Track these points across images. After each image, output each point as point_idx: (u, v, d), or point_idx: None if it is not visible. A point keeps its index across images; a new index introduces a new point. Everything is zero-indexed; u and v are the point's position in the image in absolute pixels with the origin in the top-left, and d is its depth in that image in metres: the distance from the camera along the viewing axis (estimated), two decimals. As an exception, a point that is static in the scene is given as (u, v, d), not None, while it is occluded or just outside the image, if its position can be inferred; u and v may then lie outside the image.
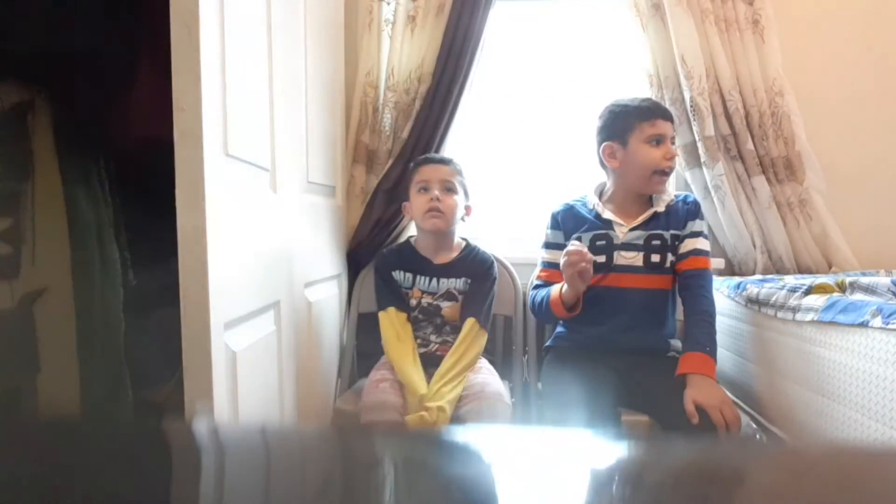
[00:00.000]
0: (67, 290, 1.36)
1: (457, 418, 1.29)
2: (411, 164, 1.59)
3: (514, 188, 2.02)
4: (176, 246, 0.87)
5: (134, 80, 1.35)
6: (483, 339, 1.46)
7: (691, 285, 1.38)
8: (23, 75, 1.30)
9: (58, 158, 1.36)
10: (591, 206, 1.46)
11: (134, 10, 1.26)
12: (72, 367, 1.37)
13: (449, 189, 1.50)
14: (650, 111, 1.39)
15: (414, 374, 1.35)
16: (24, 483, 0.37)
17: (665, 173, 1.39)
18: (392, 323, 1.46)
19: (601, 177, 1.52)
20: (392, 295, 1.51)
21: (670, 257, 1.40)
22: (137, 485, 0.37)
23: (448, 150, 1.74)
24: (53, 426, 0.50)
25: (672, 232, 1.40)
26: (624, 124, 1.40)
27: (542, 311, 1.42)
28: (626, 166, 1.41)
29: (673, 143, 1.42)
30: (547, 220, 1.50)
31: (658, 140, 1.37)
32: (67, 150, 1.37)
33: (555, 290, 1.37)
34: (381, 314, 1.49)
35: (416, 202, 1.50)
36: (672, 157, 1.39)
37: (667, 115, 1.41)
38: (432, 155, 1.61)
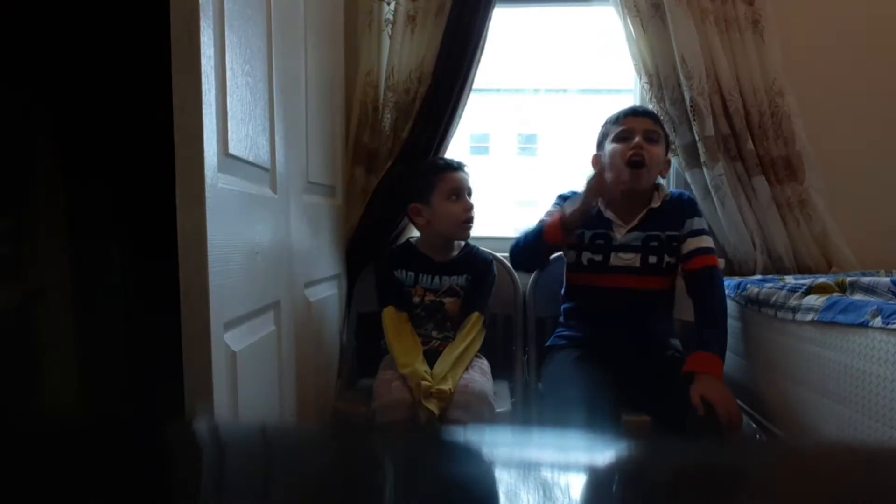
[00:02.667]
0: (67, 290, 1.36)
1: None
2: (430, 168, 1.57)
3: (515, 186, 2.03)
4: (176, 246, 0.86)
5: (135, 80, 1.35)
6: (483, 335, 1.49)
7: (702, 285, 1.38)
8: (24, 75, 1.30)
9: (58, 158, 1.36)
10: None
11: (135, 10, 1.26)
12: (72, 367, 1.37)
13: (470, 195, 1.54)
14: (623, 113, 1.44)
15: (418, 367, 1.35)
16: (24, 483, 0.37)
17: (633, 164, 1.37)
18: (393, 320, 1.47)
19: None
20: (392, 294, 1.51)
21: (667, 258, 1.40)
22: (138, 484, 0.37)
23: (448, 149, 1.74)
24: (53, 426, 0.50)
25: (668, 233, 1.40)
26: (604, 131, 1.46)
27: (528, 242, 1.43)
28: (608, 167, 1.42)
29: (654, 140, 1.40)
30: (553, 200, 1.54)
31: (624, 138, 1.40)
32: (68, 150, 1.37)
33: (554, 213, 1.40)
34: (383, 312, 1.50)
35: (449, 210, 1.51)
36: (637, 147, 1.37)
37: (639, 113, 1.44)
38: (452, 161, 1.59)
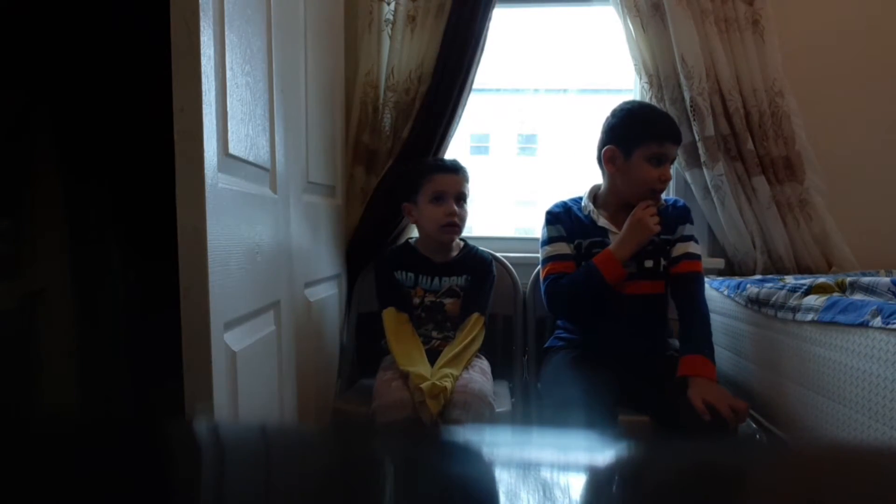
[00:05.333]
0: (67, 290, 1.36)
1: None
2: (419, 167, 1.56)
3: (515, 186, 2.03)
4: (176, 245, 0.86)
5: (135, 79, 1.35)
6: (483, 336, 1.49)
7: (686, 288, 1.39)
8: (24, 75, 1.30)
9: (58, 158, 1.36)
10: (586, 212, 1.46)
11: (135, 9, 1.26)
12: (72, 367, 1.37)
13: (461, 200, 1.51)
14: (662, 133, 1.37)
15: (419, 368, 1.35)
16: (24, 483, 0.37)
17: (657, 192, 1.39)
18: (394, 321, 1.47)
19: (597, 178, 1.52)
20: (393, 296, 1.51)
21: (663, 262, 1.40)
22: (137, 484, 0.37)
23: (448, 149, 1.74)
24: (53, 426, 0.50)
25: (663, 237, 1.40)
26: (633, 135, 1.37)
27: (582, 287, 1.36)
28: (622, 175, 1.40)
29: (672, 163, 1.41)
30: (544, 219, 1.49)
31: (660, 160, 1.36)
32: (67, 149, 1.37)
33: (600, 255, 1.35)
34: (384, 313, 1.50)
35: (430, 213, 1.50)
36: (667, 180, 1.38)
37: (676, 139, 1.40)
38: (445, 162, 1.57)
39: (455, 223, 1.49)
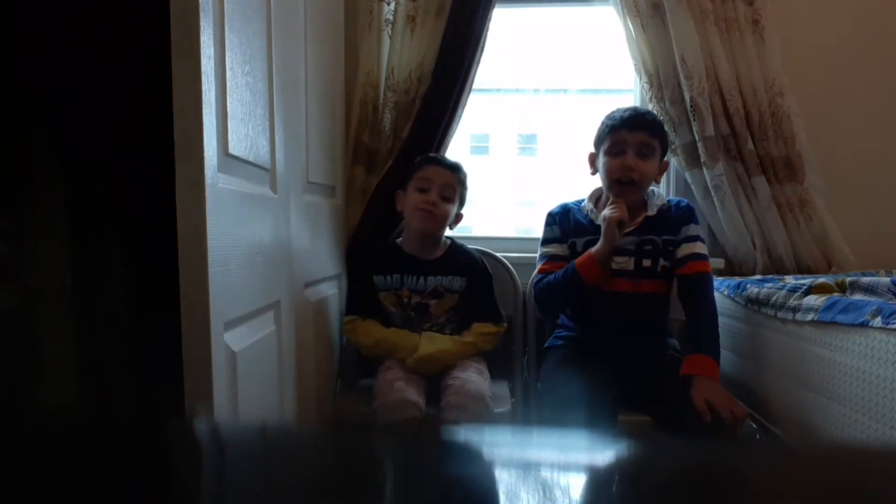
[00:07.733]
0: (67, 290, 1.36)
1: (434, 412, 1.31)
2: (417, 159, 1.57)
3: (516, 187, 2.03)
4: (176, 246, 0.86)
5: (135, 79, 1.34)
6: (495, 341, 1.51)
7: (693, 290, 1.38)
8: (24, 75, 1.30)
9: (58, 158, 1.36)
10: (585, 212, 1.47)
11: (135, 10, 1.26)
12: (72, 368, 1.37)
13: (447, 197, 1.49)
14: (618, 122, 1.38)
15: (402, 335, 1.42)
16: (24, 484, 0.37)
17: (622, 183, 1.37)
18: (360, 326, 1.50)
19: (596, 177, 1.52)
20: (360, 301, 1.53)
21: (662, 262, 1.40)
22: (137, 485, 0.37)
23: (448, 149, 1.74)
24: (53, 427, 0.50)
25: (665, 237, 1.40)
26: (599, 134, 1.44)
27: (561, 286, 1.38)
28: (600, 174, 1.44)
29: (647, 154, 1.37)
30: (544, 219, 1.52)
31: (619, 151, 1.37)
32: (68, 149, 1.37)
33: (581, 256, 1.37)
34: (346, 321, 1.52)
35: (412, 198, 1.50)
36: (629, 169, 1.35)
37: (635, 126, 1.37)
38: (441, 157, 1.58)
39: (428, 210, 1.46)
